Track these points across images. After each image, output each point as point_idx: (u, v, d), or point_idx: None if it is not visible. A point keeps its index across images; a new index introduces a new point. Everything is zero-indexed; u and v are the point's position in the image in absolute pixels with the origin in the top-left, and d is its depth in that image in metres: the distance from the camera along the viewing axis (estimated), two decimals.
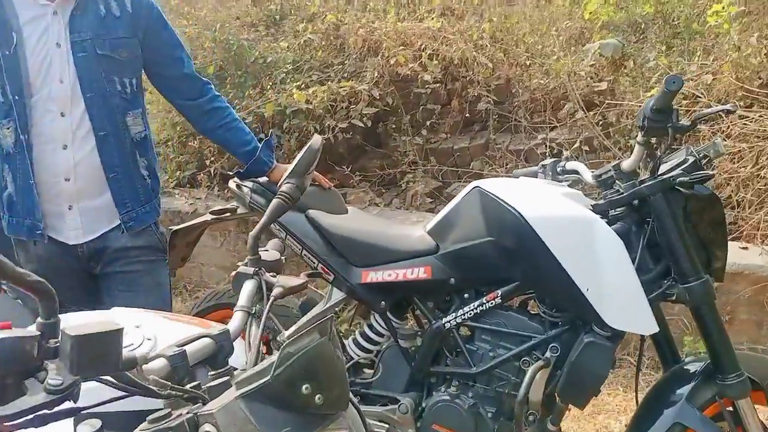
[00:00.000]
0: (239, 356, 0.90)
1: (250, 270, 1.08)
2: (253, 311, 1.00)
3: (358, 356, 2.15)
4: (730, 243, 3.24)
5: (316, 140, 1.20)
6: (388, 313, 2.04)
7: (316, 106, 3.67)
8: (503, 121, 4.34)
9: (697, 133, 3.86)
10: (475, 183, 1.99)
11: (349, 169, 4.04)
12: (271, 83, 4.02)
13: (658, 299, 1.81)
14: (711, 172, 1.76)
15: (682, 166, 1.87)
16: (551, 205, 1.82)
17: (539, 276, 1.84)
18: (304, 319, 0.80)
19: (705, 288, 1.77)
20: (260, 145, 2.11)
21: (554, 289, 1.82)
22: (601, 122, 4.00)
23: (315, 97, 3.63)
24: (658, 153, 1.80)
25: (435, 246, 2.00)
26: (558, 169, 2.13)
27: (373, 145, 4.43)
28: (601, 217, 1.78)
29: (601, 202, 1.86)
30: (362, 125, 3.75)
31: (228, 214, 2.28)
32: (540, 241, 1.76)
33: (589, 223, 1.76)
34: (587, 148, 3.86)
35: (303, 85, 3.88)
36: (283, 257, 1.25)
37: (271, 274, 1.11)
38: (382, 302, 2.04)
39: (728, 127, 3.77)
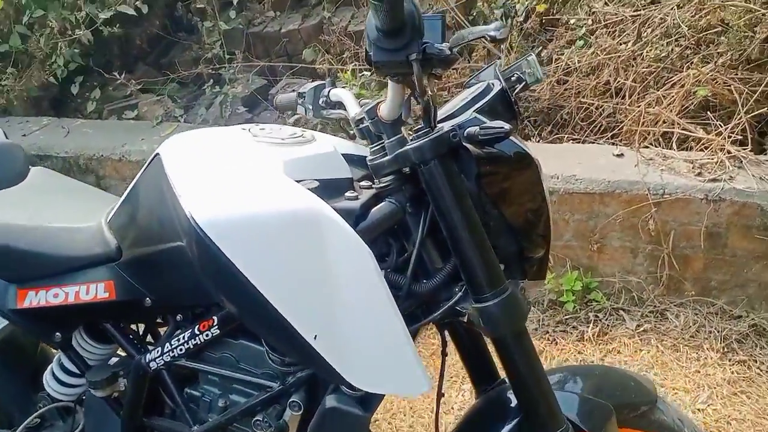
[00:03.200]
0: None
1: None
2: None
3: (59, 396, 1.43)
4: (603, 147, 2.59)
5: None
6: (80, 339, 1.34)
7: None
8: None
9: None
10: (164, 144, 1.21)
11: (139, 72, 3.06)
12: None
13: (444, 318, 1.14)
14: (505, 127, 0.99)
15: (480, 102, 1.13)
16: (248, 193, 1.04)
17: (241, 311, 1.10)
18: None
19: (507, 309, 1.08)
20: None
21: (265, 331, 1.10)
22: None
23: None
24: (427, 95, 1.02)
25: (117, 248, 1.24)
26: (321, 100, 1.36)
27: (176, 31, 3.42)
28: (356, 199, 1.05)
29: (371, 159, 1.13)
30: (134, 13, 2.73)
31: None
32: (226, 260, 1.00)
33: (312, 225, 1.01)
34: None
35: None
36: None
37: None
38: (56, 333, 1.34)
39: None
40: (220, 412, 1.22)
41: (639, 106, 2.57)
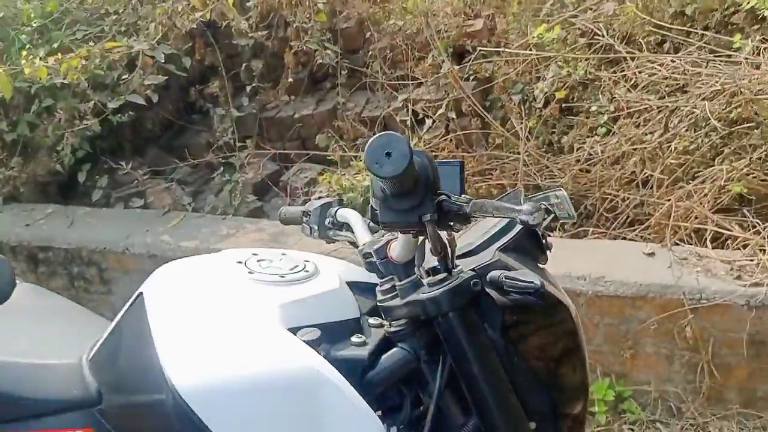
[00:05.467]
0: None
1: None
2: None
3: None
4: (632, 244, 2.44)
5: None
6: None
7: (73, 78, 2.57)
8: (356, 77, 3.34)
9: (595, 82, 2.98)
10: (149, 280, 1.09)
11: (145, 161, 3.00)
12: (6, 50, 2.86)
13: None
14: (536, 282, 0.85)
15: (504, 238, 1.00)
16: (235, 352, 0.90)
17: None
18: None
19: None
20: None
21: None
22: (473, 76, 3.06)
23: (65, 66, 2.52)
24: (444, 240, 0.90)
25: (97, 392, 1.10)
26: (327, 220, 1.24)
27: (189, 114, 3.39)
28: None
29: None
30: (144, 103, 2.68)
31: None
32: (204, 430, 0.85)
33: (308, 390, 0.87)
34: (455, 115, 2.92)
35: (61, 48, 2.76)
36: None
37: None
38: None
39: (634, 73, 2.89)
40: None
41: (669, 200, 2.43)
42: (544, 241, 1.02)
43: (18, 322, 1.34)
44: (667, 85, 2.80)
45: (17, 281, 1.51)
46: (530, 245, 1.01)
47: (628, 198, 2.61)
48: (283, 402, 0.84)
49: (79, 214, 2.87)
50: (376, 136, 0.71)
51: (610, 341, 2.21)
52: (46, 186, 3.09)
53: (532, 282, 0.85)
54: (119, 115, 2.70)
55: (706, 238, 2.33)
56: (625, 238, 2.49)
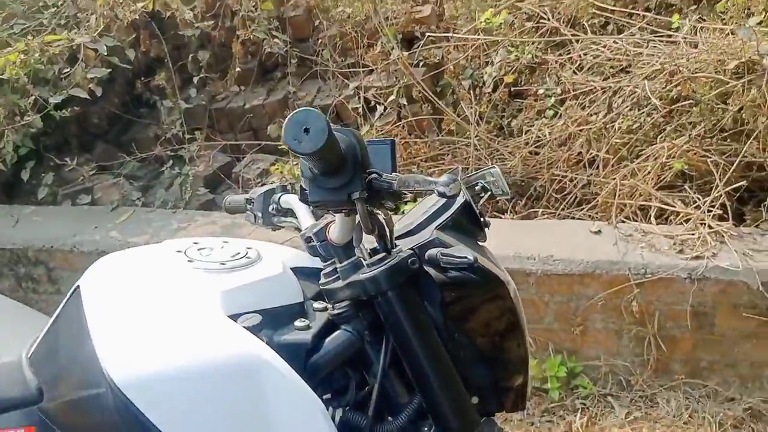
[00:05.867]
0: None
1: None
2: None
3: None
4: (579, 223, 2.49)
5: None
6: None
7: (12, 73, 2.49)
8: (306, 66, 3.32)
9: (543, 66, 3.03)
10: (87, 272, 1.07)
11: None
12: None
13: None
14: (470, 258, 0.87)
15: (442, 217, 1.01)
16: (173, 340, 0.90)
17: None
18: None
19: None
20: None
21: None
22: (422, 62, 3.07)
23: (3, 61, 2.44)
24: (381, 216, 0.91)
25: (38, 390, 1.08)
26: (271, 207, 1.24)
27: (137, 108, 3.32)
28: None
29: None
30: (87, 97, 2.61)
31: None
32: (149, 424, 0.85)
33: (248, 376, 0.87)
34: (406, 101, 2.93)
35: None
36: None
37: None
38: None
39: (579, 56, 2.95)
40: None
41: (614, 179, 2.49)
42: (482, 219, 1.03)
43: None
44: (611, 67, 2.86)
45: None
46: (468, 223, 1.02)
47: (575, 178, 2.66)
48: (223, 388, 0.84)
49: (25, 213, 2.78)
50: (294, 112, 0.71)
51: (560, 319, 2.26)
52: None
53: (466, 257, 0.87)
54: (62, 110, 2.62)
55: (650, 215, 2.40)
56: (573, 218, 2.55)
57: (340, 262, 0.96)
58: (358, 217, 0.90)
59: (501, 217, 2.61)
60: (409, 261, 0.91)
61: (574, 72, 2.93)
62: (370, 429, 0.96)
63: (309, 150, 0.70)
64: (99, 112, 3.27)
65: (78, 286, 1.02)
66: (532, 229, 2.41)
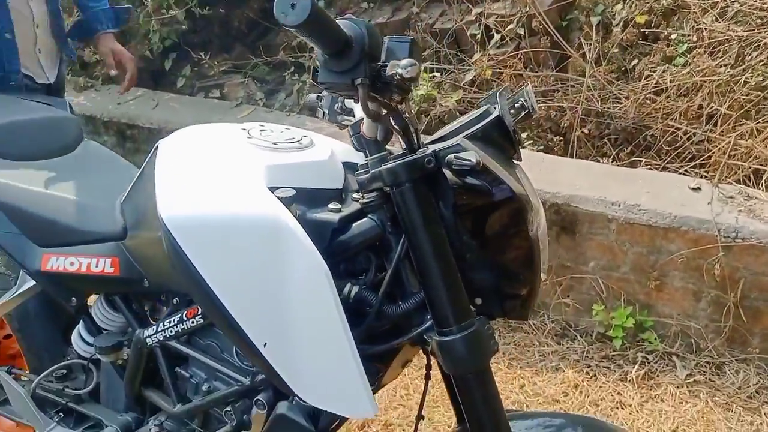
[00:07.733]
0: None
1: None
2: None
3: (82, 353, 1.55)
4: (680, 177, 2.38)
5: None
6: (100, 308, 1.44)
7: None
8: None
9: None
10: (168, 137, 1.27)
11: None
12: None
13: (409, 345, 1.12)
14: (473, 160, 0.93)
15: (473, 128, 1.07)
16: (216, 196, 1.06)
17: (203, 308, 1.15)
18: None
19: (469, 345, 1.03)
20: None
21: (223, 330, 1.13)
22: None
23: None
24: (405, 114, 1.00)
25: (123, 229, 1.32)
26: (336, 106, 1.35)
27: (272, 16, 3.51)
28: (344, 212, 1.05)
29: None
30: None
31: None
32: (187, 260, 1.03)
33: (270, 234, 1.01)
34: (523, 31, 2.87)
35: None
36: None
37: None
38: (72, 299, 1.45)
39: (726, 1, 2.71)
40: (203, 396, 1.26)
41: (730, 137, 2.33)
42: (514, 137, 1.07)
43: (78, 170, 1.58)
44: (759, 17, 2.62)
45: (84, 138, 1.77)
46: (500, 138, 1.07)
47: (691, 132, 2.52)
48: (247, 240, 0.99)
49: (164, 99, 3.13)
50: None
51: (637, 270, 2.22)
52: (140, 72, 3.36)
53: (469, 159, 0.93)
54: (204, 8, 2.87)
55: (762, 180, 2.24)
56: (676, 173, 2.43)
57: (370, 155, 1.06)
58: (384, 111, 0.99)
59: (599, 161, 2.55)
60: (426, 160, 0.98)
61: (715, 19, 2.71)
62: (380, 306, 1.07)
63: (292, 23, 0.78)
64: (240, 16, 3.51)
65: (158, 145, 1.21)
66: (628, 176, 2.34)
